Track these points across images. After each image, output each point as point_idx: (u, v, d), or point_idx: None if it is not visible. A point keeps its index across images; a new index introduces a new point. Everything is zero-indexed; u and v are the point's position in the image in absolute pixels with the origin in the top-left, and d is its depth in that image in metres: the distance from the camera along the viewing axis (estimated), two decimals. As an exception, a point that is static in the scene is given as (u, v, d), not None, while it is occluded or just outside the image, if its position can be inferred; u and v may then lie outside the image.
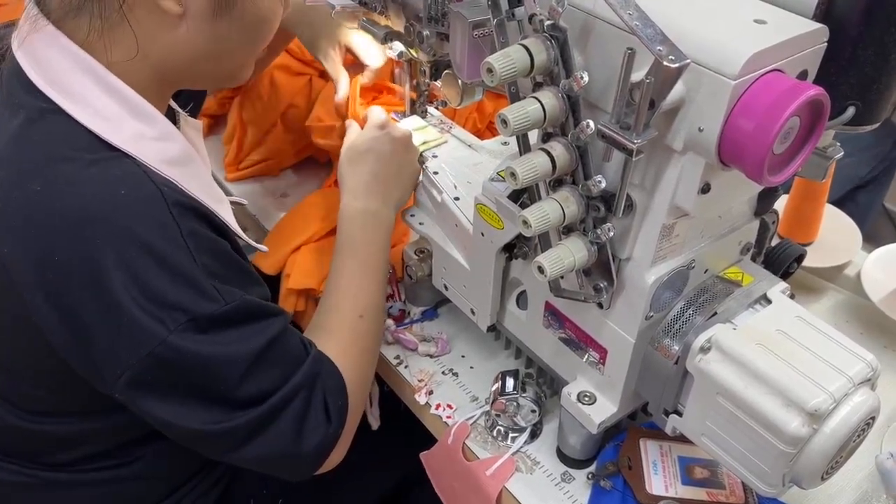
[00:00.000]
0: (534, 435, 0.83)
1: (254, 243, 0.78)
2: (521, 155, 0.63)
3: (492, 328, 0.87)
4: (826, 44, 0.55)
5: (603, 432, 0.76)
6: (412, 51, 0.87)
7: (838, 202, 1.14)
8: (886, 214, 2.17)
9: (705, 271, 0.68)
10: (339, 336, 0.77)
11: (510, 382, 0.80)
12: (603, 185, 0.59)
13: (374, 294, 0.82)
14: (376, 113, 0.92)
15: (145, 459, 0.79)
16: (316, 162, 1.26)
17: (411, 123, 0.98)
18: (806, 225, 1.04)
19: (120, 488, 0.80)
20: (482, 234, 0.78)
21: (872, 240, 1.11)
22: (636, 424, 0.82)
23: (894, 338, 0.96)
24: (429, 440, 0.87)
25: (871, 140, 1.68)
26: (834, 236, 1.06)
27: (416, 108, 0.98)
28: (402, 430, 0.95)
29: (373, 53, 0.98)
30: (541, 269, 0.62)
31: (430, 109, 1.00)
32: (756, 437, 0.60)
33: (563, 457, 0.81)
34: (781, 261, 0.78)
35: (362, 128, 0.92)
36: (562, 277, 0.67)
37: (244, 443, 0.67)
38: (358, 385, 0.75)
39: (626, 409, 0.75)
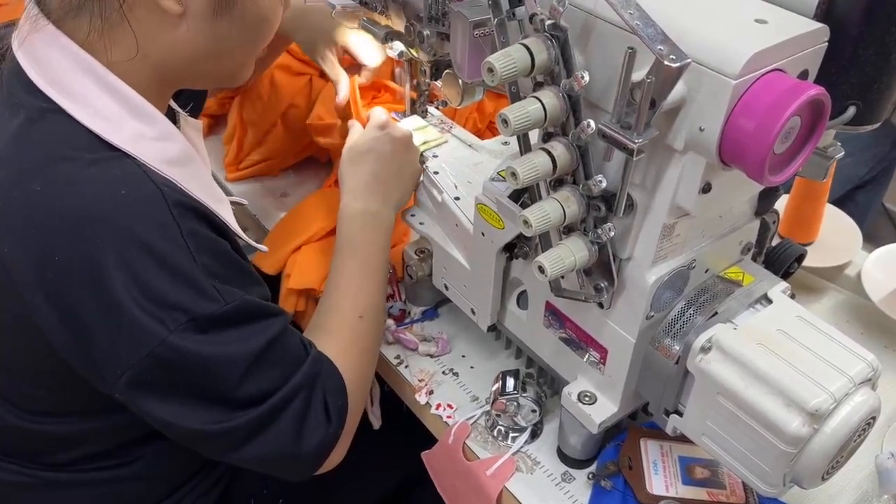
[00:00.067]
0: (534, 435, 0.83)
1: (254, 243, 0.78)
2: (521, 155, 0.63)
3: (492, 328, 0.87)
4: (827, 43, 0.55)
5: (603, 432, 0.76)
6: (412, 50, 0.87)
7: (837, 202, 1.14)
8: (886, 214, 2.17)
9: (706, 271, 0.68)
10: (339, 336, 0.77)
11: (511, 382, 0.80)
12: (604, 184, 0.58)
13: (374, 294, 0.82)
14: (377, 113, 0.92)
15: (145, 459, 0.79)
16: (316, 162, 1.26)
17: (412, 123, 0.98)
18: (806, 225, 1.04)
19: (120, 488, 0.80)
20: (483, 234, 0.78)
21: (872, 240, 1.12)
22: (637, 424, 0.82)
23: (895, 338, 0.96)
24: (429, 440, 0.87)
25: (870, 140, 1.68)
26: (834, 236, 1.06)
27: (417, 107, 0.98)
28: (402, 430, 0.95)
29: (370, 53, 0.98)
30: (541, 269, 0.62)
31: (431, 109, 1.00)
32: (757, 437, 0.60)
33: (563, 457, 0.81)
34: (782, 261, 0.78)
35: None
36: (562, 277, 0.67)
37: (244, 443, 0.67)
38: (358, 385, 0.75)
39: (627, 408, 0.75)
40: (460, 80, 0.81)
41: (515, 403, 0.80)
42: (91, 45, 0.64)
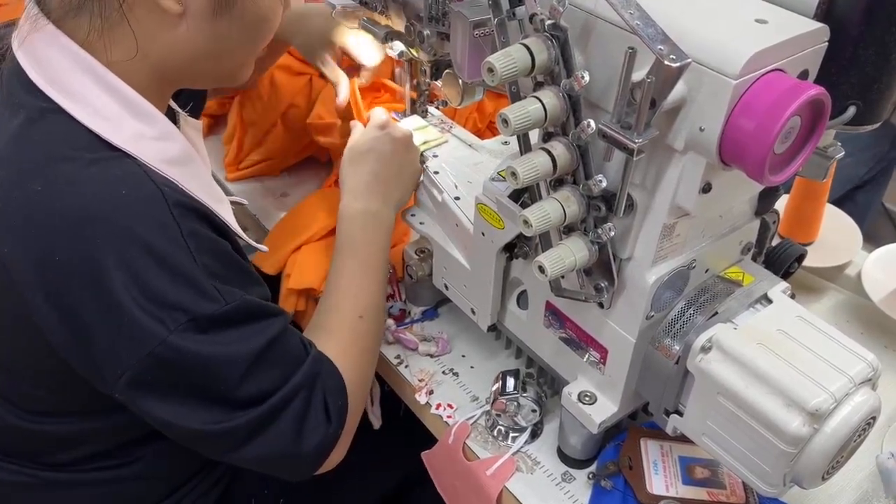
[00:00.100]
0: (534, 435, 0.83)
1: (254, 243, 0.78)
2: (521, 154, 0.63)
3: (492, 328, 0.87)
4: (827, 43, 0.55)
5: (603, 432, 0.76)
6: (413, 50, 0.87)
7: (837, 202, 1.14)
8: (886, 214, 2.17)
9: (706, 271, 0.68)
10: (339, 336, 0.77)
11: (511, 382, 0.80)
12: (604, 184, 0.58)
13: (374, 294, 0.82)
14: (378, 113, 0.92)
15: (145, 459, 0.79)
16: (316, 162, 1.26)
17: (412, 123, 0.98)
18: (806, 225, 1.04)
19: (120, 488, 0.80)
20: (483, 234, 0.78)
21: (872, 240, 1.12)
22: (637, 424, 0.82)
23: (895, 338, 0.96)
24: (429, 440, 0.87)
25: (870, 140, 1.68)
26: (834, 236, 1.06)
27: (417, 107, 0.98)
28: (402, 430, 0.95)
29: (368, 53, 0.98)
30: (541, 269, 0.62)
31: (431, 109, 1.00)
32: (757, 437, 0.60)
33: (563, 457, 0.81)
34: (782, 261, 0.78)
35: None
36: (562, 277, 0.67)
37: (244, 443, 0.67)
38: (358, 385, 0.75)
39: (627, 408, 0.75)
40: (460, 80, 0.81)
41: (515, 403, 0.80)
42: (91, 45, 0.64)
